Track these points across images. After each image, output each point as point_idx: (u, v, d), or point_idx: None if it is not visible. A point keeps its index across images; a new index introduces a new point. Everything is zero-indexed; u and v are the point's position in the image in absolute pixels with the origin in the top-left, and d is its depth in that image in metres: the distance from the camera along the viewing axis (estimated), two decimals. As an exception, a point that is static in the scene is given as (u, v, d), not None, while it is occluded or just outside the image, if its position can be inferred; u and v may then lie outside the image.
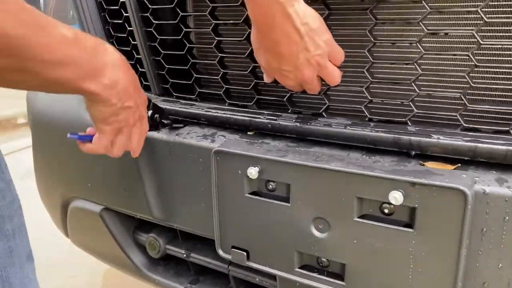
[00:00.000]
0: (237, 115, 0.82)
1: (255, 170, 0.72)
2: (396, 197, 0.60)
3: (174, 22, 0.86)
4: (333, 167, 0.65)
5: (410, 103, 0.69)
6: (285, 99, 0.78)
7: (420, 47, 0.65)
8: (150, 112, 0.80)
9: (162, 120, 0.84)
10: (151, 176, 0.88)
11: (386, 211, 0.65)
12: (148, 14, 0.89)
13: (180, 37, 0.87)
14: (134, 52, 0.97)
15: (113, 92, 0.62)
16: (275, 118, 0.78)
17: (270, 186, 0.74)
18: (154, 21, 0.89)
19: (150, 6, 0.88)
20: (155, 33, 0.89)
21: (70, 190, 1.06)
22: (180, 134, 0.85)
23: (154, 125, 0.83)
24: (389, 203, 0.63)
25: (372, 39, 0.68)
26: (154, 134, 0.86)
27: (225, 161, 0.76)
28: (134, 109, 0.68)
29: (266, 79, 0.74)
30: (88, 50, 0.57)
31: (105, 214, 1.00)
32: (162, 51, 0.91)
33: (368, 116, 0.73)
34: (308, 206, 0.69)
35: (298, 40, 0.63)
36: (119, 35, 0.99)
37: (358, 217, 0.66)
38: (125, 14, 0.94)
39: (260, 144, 0.76)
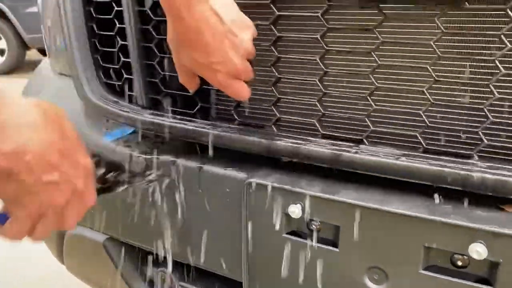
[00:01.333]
0: (256, 137, 0.70)
1: (298, 209, 0.61)
2: (479, 251, 0.50)
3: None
4: (397, 210, 0.55)
5: (480, 132, 0.58)
6: (316, 120, 0.67)
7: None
8: (100, 172, 0.61)
9: (121, 178, 0.65)
10: (168, 206, 0.77)
11: (459, 263, 0.55)
12: (147, 9, 0.76)
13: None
14: (120, 54, 0.84)
15: (20, 163, 0.44)
16: (303, 142, 0.66)
17: (314, 225, 0.63)
18: (154, 17, 0.76)
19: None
20: (153, 32, 0.77)
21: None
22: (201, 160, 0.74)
23: (107, 188, 0.63)
24: (463, 254, 0.53)
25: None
26: (176, 158, 0.74)
27: (260, 195, 0.65)
28: (63, 184, 0.49)
29: (191, 84, 0.69)
30: None
31: (109, 244, 0.88)
32: (159, 54, 0.78)
33: (424, 146, 0.62)
34: (362, 252, 0.59)
35: (219, 23, 0.59)
36: (104, 33, 0.86)
37: (424, 269, 0.56)
38: (116, 8, 0.81)
39: (299, 175, 0.66)
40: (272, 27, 0.67)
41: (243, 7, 0.63)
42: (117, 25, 0.81)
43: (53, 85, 0.97)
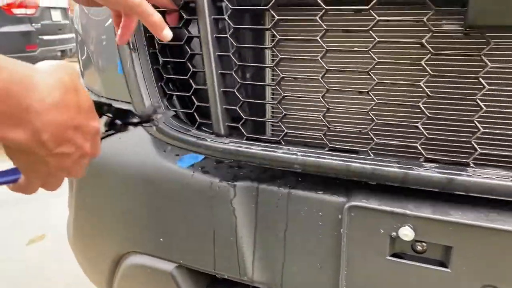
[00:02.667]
0: (352, 163, 0.71)
1: (410, 231, 0.61)
2: None
3: (269, 47, 0.75)
4: (515, 228, 0.57)
5: None
6: (418, 143, 0.68)
7: None
8: (106, 120, 0.67)
9: (127, 121, 0.70)
10: (251, 230, 0.76)
11: None
12: (227, 36, 0.75)
13: (273, 65, 0.74)
14: (191, 80, 0.83)
15: (37, 142, 0.47)
16: (409, 167, 0.68)
17: (419, 247, 0.64)
18: (235, 44, 0.76)
19: (233, 26, 0.74)
20: (234, 59, 0.77)
21: (127, 244, 0.91)
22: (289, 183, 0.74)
23: (117, 128, 0.69)
24: None
25: None
26: (259, 184, 0.74)
27: (362, 218, 0.65)
28: (73, 153, 0.52)
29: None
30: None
31: (178, 273, 0.86)
32: (240, 81, 0.77)
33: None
34: (476, 271, 0.60)
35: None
36: (175, 60, 0.85)
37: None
38: (188, 35, 0.80)
39: (398, 197, 0.66)
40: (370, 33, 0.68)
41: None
42: (189, 52, 0.80)
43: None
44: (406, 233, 0.62)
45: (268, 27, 0.73)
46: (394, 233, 0.63)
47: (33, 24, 5.92)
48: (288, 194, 0.72)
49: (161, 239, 0.85)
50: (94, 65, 1.03)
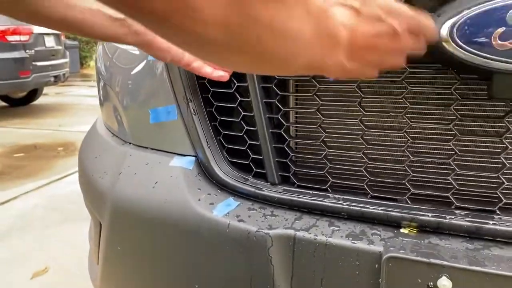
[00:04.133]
0: (390, 211, 0.75)
1: (447, 282, 0.65)
2: None
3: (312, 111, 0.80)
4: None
5: None
6: (450, 193, 0.73)
7: None
8: None
9: None
10: (288, 279, 0.78)
11: None
12: (275, 101, 0.81)
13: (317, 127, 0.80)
14: (246, 137, 0.88)
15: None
16: (443, 215, 0.72)
17: (456, 295, 0.67)
18: (282, 108, 0.81)
19: (279, 93, 0.80)
20: (282, 120, 0.82)
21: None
22: (315, 230, 0.77)
23: None
24: None
25: None
26: (296, 232, 0.77)
27: (400, 269, 0.68)
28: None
29: None
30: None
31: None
32: (288, 139, 0.83)
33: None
34: (512, 320, 0.63)
35: None
36: (228, 119, 0.90)
37: None
38: (240, 99, 0.86)
39: (434, 247, 0.70)
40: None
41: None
42: (242, 113, 0.86)
43: (139, 160, 0.97)
44: (445, 283, 0.65)
45: (312, 94, 0.79)
46: (432, 283, 0.66)
47: (27, 51, 5.94)
48: (326, 244, 0.75)
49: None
50: (119, 111, 1.06)
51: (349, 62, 0.46)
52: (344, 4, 0.46)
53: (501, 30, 0.61)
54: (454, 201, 0.73)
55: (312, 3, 0.40)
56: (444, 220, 0.71)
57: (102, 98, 1.18)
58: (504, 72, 0.62)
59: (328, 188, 0.82)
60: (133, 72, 1.01)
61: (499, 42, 0.61)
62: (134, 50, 1.01)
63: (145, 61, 0.97)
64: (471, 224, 0.70)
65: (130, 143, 1.05)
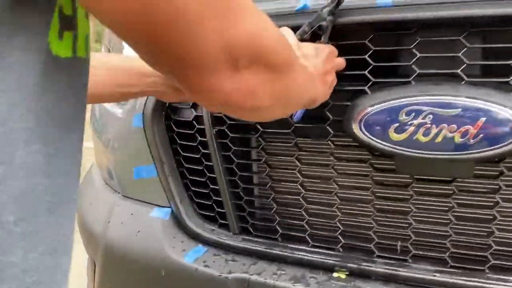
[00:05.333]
0: (325, 259, 0.92)
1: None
2: None
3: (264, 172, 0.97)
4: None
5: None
6: (372, 244, 0.90)
7: None
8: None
9: None
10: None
11: None
12: (230, 153, 0.98)
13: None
14: (212, 193, 1.06)
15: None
16: (365, 263, 0.89)
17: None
18: (236, 159, 0.98)
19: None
20: (239, 182, 1.00)
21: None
22: (265, 274, 0.94)
23: None
24: None
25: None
26: (248, 276, 0.94)
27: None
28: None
29: None
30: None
31: None
32: (244, 196, 1.00)
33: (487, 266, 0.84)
34: None
35: None
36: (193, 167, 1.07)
37: None
38: (203, 151, 1.03)
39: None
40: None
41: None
42: (205, 163, 1.03)
43: (125, 210, 1.15)
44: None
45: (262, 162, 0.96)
46: (351, 321, 0.84)
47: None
48: (274, 286, 0.93)
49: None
50: (110, 165, 1.25)
51: (322, 86, 0.72)
52: (303, 56, 0.71)
53: (396, 125, 0.79)
54: (375, 250, 0.90)
55: (305, 68, 0.64)
56: (366, 267, 0.89)
57: (96, 151, 1.36)
58: (401, 156, 0.80)
59: (279, 238, 1.00)
60: (119, 134, 1.20)
61: (395, 134, 0.79)
62: (120, 115, 1.19)
63: (130, 127, 1.14)
64: (387, 271, 0.87)
65: (119, 192, 1.23)
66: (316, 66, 0.72)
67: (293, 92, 0.58)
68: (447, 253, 0.85)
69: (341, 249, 0.94)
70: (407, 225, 0.88)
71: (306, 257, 0.95)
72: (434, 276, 0.84)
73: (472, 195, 0.83)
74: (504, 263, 0.82)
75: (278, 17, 0.84)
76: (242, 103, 0.46)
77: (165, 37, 0.37)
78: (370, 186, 0.89)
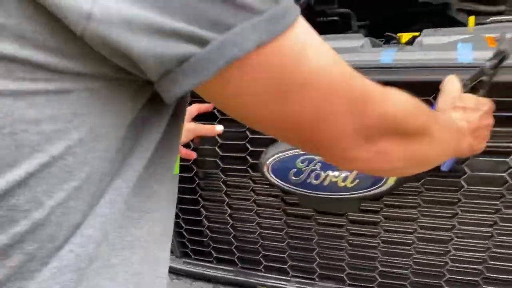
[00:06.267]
0: (249, 279, 1.10)
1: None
2: None
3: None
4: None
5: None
6: (286, 266, 1.08)
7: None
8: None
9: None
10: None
11: None
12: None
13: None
14: None
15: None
16: (282, 281, 1.07)
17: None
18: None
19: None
20: (179, 213, 1.17)
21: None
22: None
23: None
24: None
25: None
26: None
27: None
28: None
29: None
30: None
31: None
32: (184, 225, 1.17)
33: None
34: None
35: None
36: None
37: None
38: None
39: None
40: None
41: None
42: None
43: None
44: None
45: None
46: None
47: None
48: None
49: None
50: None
51: (473, 140, 0.72)
52: (455, 107, 0.74)
53: (294, 170, 0.96)
54: (289, 271, 1.08)
55: (452, 124, 0.68)
56: (283, 285, 1.06)
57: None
58: (300, 194, 0.97)
59: (213, 260, 1.17)
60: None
61: (293, 177, 0.96)
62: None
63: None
64: (300, 286, 1.05)
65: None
66: (471, 120, 0.73)
67: (428, 152, 0.60)
68: (345, 273, 1.03)
69: (263, 270, 1.11)
70: (313, 249, 1.05)
71: (234, 278, 1.12)
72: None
73: (359, 225, 1.01)
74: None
75: (443, 70, 0.85)
76: (379, 167, 0.53)
77: (307, 135, 0.46)
78: (282, 216, 1.06)
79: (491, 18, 1.37)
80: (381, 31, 1.46)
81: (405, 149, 0.54)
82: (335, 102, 0.44)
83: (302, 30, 0.42)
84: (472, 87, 0.81)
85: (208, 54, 0.37)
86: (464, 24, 1.44)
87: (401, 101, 0.52)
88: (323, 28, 1.65)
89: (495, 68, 0.80)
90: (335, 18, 1.58)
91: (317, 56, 0.43)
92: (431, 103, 0.83)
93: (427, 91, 0.84)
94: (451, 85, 0.78)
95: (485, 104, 0.77)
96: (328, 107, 0.44)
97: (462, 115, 0.73)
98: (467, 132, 0.71)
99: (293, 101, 0.43)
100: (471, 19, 1.09)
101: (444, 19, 1.50)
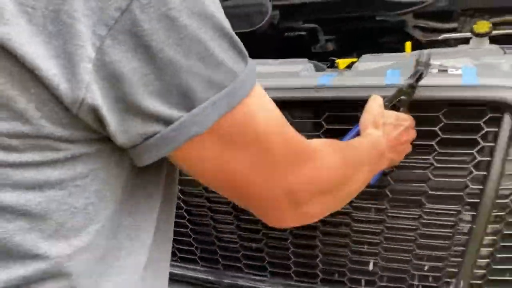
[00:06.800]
0: (209, 277, 1.21)
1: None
2: None
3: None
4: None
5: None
6: (241, 264, 1.18)
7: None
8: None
9: None
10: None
11: None
12: None
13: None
14: None
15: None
16: (237, 278, 1.17)
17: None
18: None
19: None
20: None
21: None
22: None
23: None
24: None
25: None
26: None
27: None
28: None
29: None
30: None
31: None
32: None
33: None
34: None
35: None
36: None
37: None
38: None
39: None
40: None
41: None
42: None
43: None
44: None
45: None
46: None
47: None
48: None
49: None
50: None
51: (392, 154, 0.79)
52: (375, 124, 0.79)
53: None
54: (243, 267, 1.18)
55: (373, 150, 0.74)
56: (235, 281, 1.17)
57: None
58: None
59: (178, 259, 1.27)
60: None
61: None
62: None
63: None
64: (249, 283, 1.16)
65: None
66: (390, 135, 0.79)
67: (351, 194, 0.68)
68: (292, 270, 1.14)
69: (221, 267, 1.22)
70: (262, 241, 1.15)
71: (195, 276, 1.22)
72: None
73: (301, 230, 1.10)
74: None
75: (368, 89, 0.90)
76: (307, 222, 0.60)
77: (241, 194, 0.52)
78: (233, 221, 1.15)
79: (443, 36, 1.41)
80: (348, 46, 1.53)
81: (327, 205, 0.60)
82: (271, 166, 0.50)
83: (255, 99, 0.48)
84: (393, 106, 0.87)
85: (172, 132, 0.43)
86: (418, 41, 1.47)
87: (330, 163, 0.58)
88: (291, 42, 1.69)
89: (411, 87, 0.86)
90: (302, 33, 1.61)
91: (266, 120, 0.49)
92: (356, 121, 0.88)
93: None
94: (374, 103, 0.84)
95: (406, 120, 0.84)
96: (264, 169, 0.50)
97: (382, 130, 0.79)
98: (386, 150, 0.78)
99: (236, 163, 0.49)
100: (408, 45, 1.13)
101: (401, 35, 1.52)
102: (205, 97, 0.43)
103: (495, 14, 1.30)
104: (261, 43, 1.47)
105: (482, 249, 0.95)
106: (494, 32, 1.22)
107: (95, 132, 0.44)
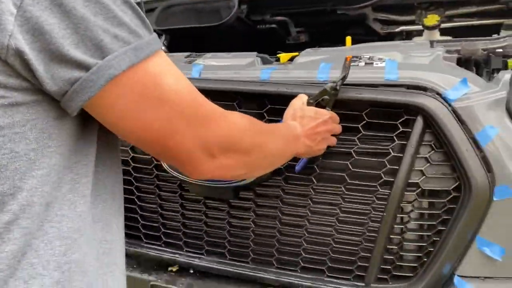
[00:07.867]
0: (163, 254, 1.29)
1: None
2: None
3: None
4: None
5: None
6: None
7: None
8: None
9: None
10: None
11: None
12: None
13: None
14: None
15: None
16: (192, 260, 1.25)
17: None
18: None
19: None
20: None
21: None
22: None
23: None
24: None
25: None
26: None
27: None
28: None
29: None
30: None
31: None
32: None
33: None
34: None
35: None
36: None
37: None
38: None
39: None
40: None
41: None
42: None
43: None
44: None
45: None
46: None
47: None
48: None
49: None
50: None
51: (308, 141, 0.90)
52: (294, 116, 0.92)
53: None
54: (183, 245, 1.27)
55: (287, 131, 0.87)
56: (194, 262, 1.25)
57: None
58: (190, 183, 1.15)
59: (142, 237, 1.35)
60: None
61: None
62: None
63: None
64: (208, 264, 1.24)
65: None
66: (305, 126, 0.91)
67: (266, 159, 0.78)
68: (226, 249, 1.22)
69: (163, 245, 1.30)
70: (202, 228, 1.24)
71: (158, 254, 1.30)
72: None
73: (237, 210, 1.20)
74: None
75: (302, 86, 1.03)
76: (223, 176, 0.69)
77: (162, 149, 0.60)
78: (178, 200, 1.24)
79: (400, 28, 1.56)
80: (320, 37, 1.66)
81: (243, 162, 0.69)
82: (184, 120, 0.58)
83: (162, 60, 0.59)
84: (318, 103, 0.99)
85: (92, 75, 0.52)
86: (377, 33, 1.62)
87: (237, 124, 0.67)
88: (264, 34, 1.83)
89: (334, 89, 0.99)
90: (274, 25, 1.75)
91: (176, 80, 0.59)
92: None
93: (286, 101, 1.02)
94: (297, 100, 0.98)
95: (325, 114, 0.96)
96: (178, 123, 0.58)
97: (299, 122, 0.92)
98: (302, 135, 0.90)
99: (152, 114, 0.56)
100: (348, 39, 1.26)
101: (362, 27, 1.68)
102: (115, 48, 0.53)
103: (450, 7, 1.42)
104: (230, 36, 1.61)
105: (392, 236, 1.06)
106: (443, 25, 1.38)
107: (27, 81, 0.52)
